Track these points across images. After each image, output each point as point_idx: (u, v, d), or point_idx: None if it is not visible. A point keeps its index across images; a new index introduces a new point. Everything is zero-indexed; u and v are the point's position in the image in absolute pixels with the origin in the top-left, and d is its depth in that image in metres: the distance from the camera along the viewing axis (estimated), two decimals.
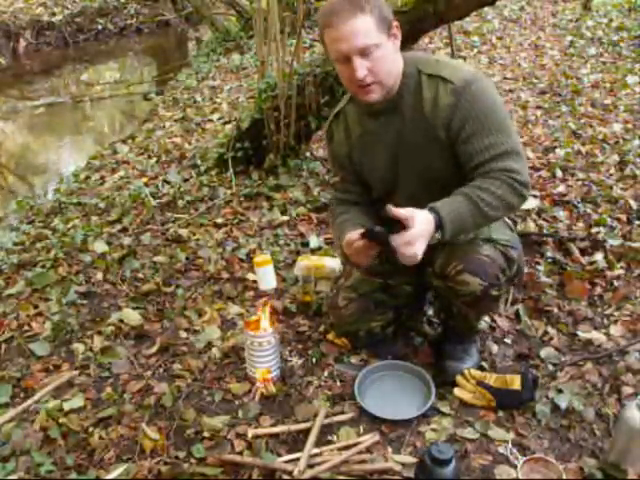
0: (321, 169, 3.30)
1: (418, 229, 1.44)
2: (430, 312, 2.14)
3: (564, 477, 1.53)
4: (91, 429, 1.73)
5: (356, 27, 1.48)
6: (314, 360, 1.99)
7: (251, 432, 1.67)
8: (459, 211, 1.52)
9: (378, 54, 1.52)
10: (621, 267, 2.38)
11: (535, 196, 2.87)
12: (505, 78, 4.95)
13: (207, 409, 1.81)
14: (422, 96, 1.61)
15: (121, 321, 2.18)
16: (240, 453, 1.64)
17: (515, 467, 1.57)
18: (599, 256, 2.43)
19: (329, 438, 1.68)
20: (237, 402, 1.83)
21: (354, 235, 1.59)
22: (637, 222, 2.68)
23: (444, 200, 1.54)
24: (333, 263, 2.36)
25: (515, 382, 1.75)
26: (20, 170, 4.97)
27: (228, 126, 4.08)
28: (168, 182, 3.34)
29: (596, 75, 4.87)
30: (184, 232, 2.77)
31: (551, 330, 2.09)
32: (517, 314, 2.16)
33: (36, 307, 2.29)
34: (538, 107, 4.26)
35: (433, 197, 1.64)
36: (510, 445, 1.64)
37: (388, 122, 1.69)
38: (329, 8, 1.53)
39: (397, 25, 1.59)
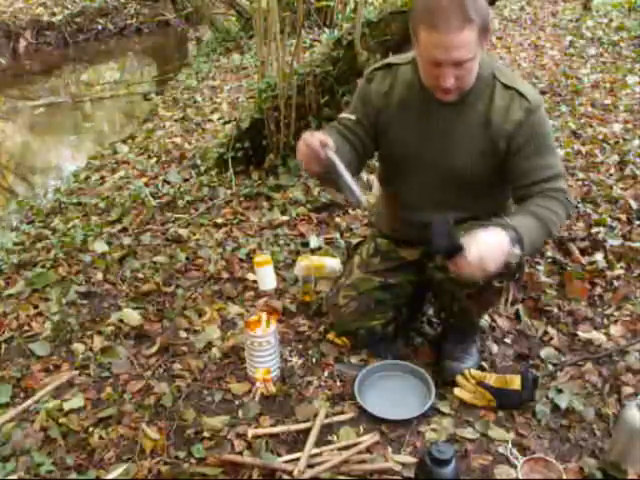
0: None
1: (483, 246, 1.41)
2: (430, 312, 2.14)
3: (564, 477, 1.53)
4: (91, 429, 1.73)
5: (460, 40, 1.44)
6: (314, 360, 1.99)
7: (251, 432, 1.67)
8: (530, 228, 1.53)
9: (469, 65, 1.51)
10: (621, 267, 2.38)
11: None
12: None
13: (207, 409, 1.81)
14: (493, 103, 1.61)
15: (121, 321, 2.18)
16: (240, 453, 1.64)
17: (515, 467, 1.57)
18: (599, 256, 2.43)
19: (329, 438, 1.68)
20: (237, 402, 1.84)
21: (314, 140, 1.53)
22: (637, 222, 2.68)
23: (514, 217, 1.57)
24: (333, 263, 2.36)
25: (515, 382, 1.75)
26: (20, 170, 4.97)
27: (228, 126, 4.08)
28: (168, 182, 3.33)
29: (596, 75, 4.86)
30: (184, 232, 2.77)
31: (551, 330, 2.09)
32: (517, 314, 2.16)
33: (36, 307, 2.29)
34: None
35: (442, 195, 1.71)
36: (510, 445, 1.64)
37: (444, 109, 1.65)
38: (437, 11, 1.44)
39: (490, 29, 1.56)
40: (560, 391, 1.80)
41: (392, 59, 1.78)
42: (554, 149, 1.69)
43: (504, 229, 1.46)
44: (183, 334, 2.14)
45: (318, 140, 1.53)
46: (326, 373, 1.93)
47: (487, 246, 1.42)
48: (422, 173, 1.75)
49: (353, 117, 1.78)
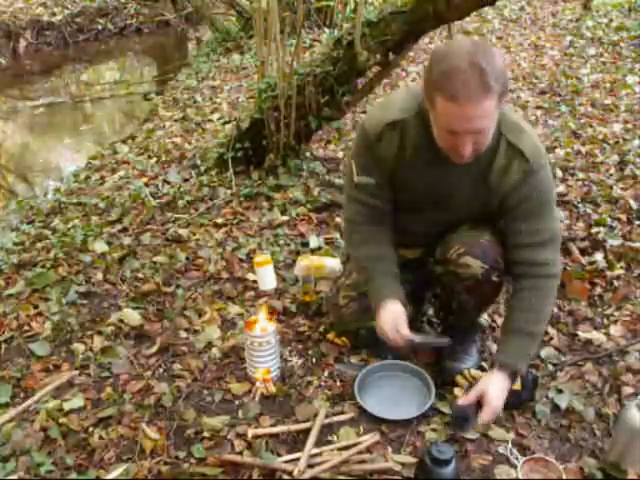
0: (321, 169, 3.29)
1: (495, 403, 1.59)
2: (430, 312, 2.14)
3: (564, 477, 1.53)
4: (91, 429, 1.73)
5: (480, 111, 1.37)
6: (314, 360, 1.99)
7: (251, 432, 1.67)
8: (527, 350, 1.65)
9: (488, 131, 1.45)
10: (621, 267, 2.39)
11: None
12: None
13: (207, 409, 1.81)
14: (494, 161, 1.55)
15: (121, 321, 2.18)
16: (240, 453, 1.64)
17: (515, 467, 1.57)
18: (599, 256, 2.43)
19: (329, 438, 1.68)
20: (237, 402, 1.84)
21: (406, 334, 1.64)
22: (637, 222, 2.68)
23: (510, 349, 1.64)
24: (333, 263, 2.36)
25: (515, 382, 1.74)
26: (20, 170, 4.97)
27: (228, 126, 4.08)
28: (168, 182, 3.33)
29: (596, 75, 4.87)
30: (184, 232, 2.77)
31: (551, 330, 2.09)
32: None
33: (36, 307, 2.29)
34: (538, 107, 4.26)
35: (441, 229, 1.75)
36: (510, 445, 1.65)
37: (449, 162, 1.58)
38: (456, 80, 1.34)
39: (507, 90, 1.48)
40: (560, 391, 1.80)
41: (395, 114, 1.61)
42: (550, 211, 1.63)
43: (506, 373, 1.61)
44: (183, 334, 2.14)
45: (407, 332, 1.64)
46: (326, 373, 1.93)
47: (497, 403, 1.60)
48: (423, 214, 1.75)
49: (372, 181, 1.70)
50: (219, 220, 2.89)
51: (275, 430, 1.69)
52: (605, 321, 2.14)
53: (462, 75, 1.33)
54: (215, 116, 4.50)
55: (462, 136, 1.42)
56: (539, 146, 1.58)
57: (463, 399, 1.63)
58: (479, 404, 1.61)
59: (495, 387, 1.61)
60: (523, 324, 1.64)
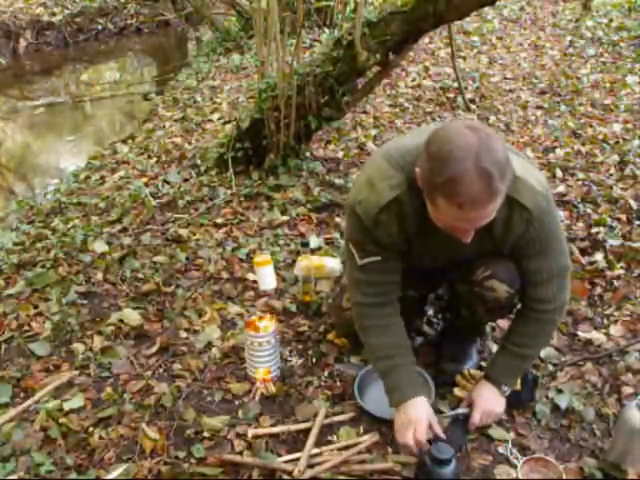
0: (321, 169, 3.29)
1: (483, 405, 1.66)
2: (430, 312, 2.14)
3: (564, 477, 1.53)
4: (91, 429, 1.73)
5: (484, 214, 1.30)
6: (314, 360, 1.99)
7: (251, 432, 1.68)
8: (514, 370, 1.70)
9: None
10: (621, 267, 2.39)
11: None
12: (505, 78, 4.95)
13: (207, 409, 1.81)
14: (496, 217, 1.40)
15: (121, 321, 2.18)
16: (240, 453, 1.64)
17: (515, 467, 1.57)
18: (599, 256, 2.44)
19: (329, 438, 1.68)
20: (237, 402, 1.84)
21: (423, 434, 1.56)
22: (637, 222, 2.68)
23: (498, 365, 1.70)
24: (333, 263, 2.36)
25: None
26: (20, 170, 4.96)
27: (228, 126, 4.08)
28: (168, 182, 3.33)
29: (596, 75, 4.87)
30: (184, 232, 2.77)
31: None
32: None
33: (36, 307, 2.29)
34: (538, 107, 4.27)
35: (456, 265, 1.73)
36: (510, 445, 1.65)
37: None
38: (463, 190, 1.24)
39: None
40: (560, 391, 1.81)
41: (386, 195, 1.48)
42: (555, 248, 1.56)
43: (492, 384, 1.69)
44: (183, 334, 2.14)
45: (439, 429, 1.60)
46: (326, 373, 1.93)
47: (486, 405, 1.67)
48: (428, 264, 1.73)
49: (378, 258, 1.59)
50: (219, 220, 2.89)
51: (275, 430, 1.70)
52: (605, 321, 2.14)
53: (469, 185, 1.24)
54: (215, 116, 4.50)
55: (463, 229, 1.38)
56: (537, 190, 1.46)
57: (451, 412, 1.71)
58: (467, 420, 1.66)
59: (480, 393, 1.68)
60: (516, 346, 1.65)
